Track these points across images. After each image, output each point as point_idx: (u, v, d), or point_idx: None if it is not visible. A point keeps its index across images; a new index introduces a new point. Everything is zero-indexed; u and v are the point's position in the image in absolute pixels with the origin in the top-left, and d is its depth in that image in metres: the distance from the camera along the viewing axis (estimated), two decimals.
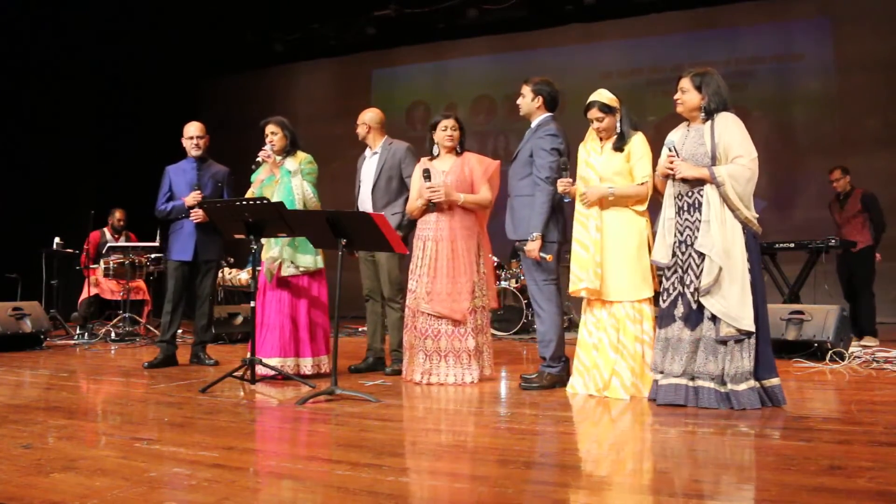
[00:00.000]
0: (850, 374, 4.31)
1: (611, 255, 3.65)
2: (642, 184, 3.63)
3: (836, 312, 4.98)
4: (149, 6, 9.57)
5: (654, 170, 3.60)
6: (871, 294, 6.31)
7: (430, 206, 4.12)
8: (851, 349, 5.05)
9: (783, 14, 9.04)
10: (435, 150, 4.28)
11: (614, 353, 3.63)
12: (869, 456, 2.42)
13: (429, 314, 4.10)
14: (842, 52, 8.72)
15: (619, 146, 3.70)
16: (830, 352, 4.77)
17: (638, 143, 3.68)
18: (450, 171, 4.18)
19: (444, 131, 4.22)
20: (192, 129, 5.03)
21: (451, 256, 4.11)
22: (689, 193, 3.37)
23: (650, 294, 3.66)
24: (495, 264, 7.68)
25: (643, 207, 3.67)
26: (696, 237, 3.31)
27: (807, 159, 8.79)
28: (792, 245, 6.35)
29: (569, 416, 3.28)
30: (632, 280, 3.63)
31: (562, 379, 3.90)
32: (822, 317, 4.97)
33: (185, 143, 5.03)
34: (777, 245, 6.40)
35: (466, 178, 4.18)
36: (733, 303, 3.21)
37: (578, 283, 3.68)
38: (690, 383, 3.30)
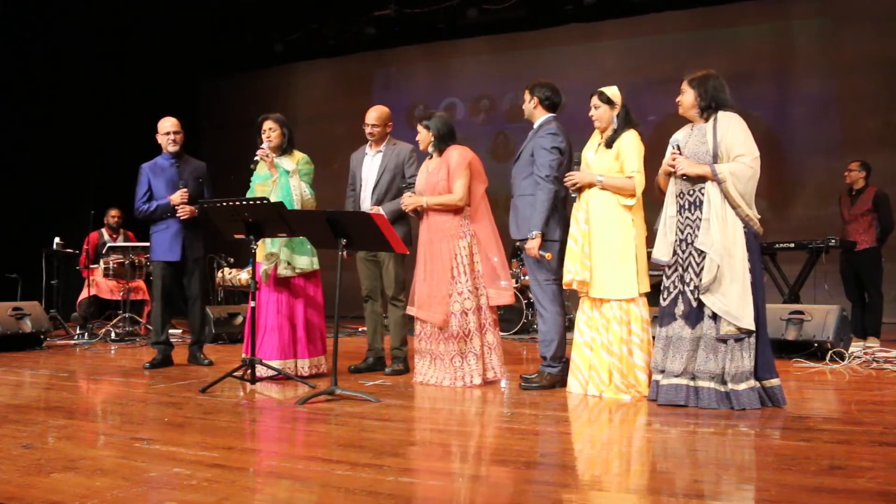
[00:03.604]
0: (850, 374, 4.30)
1: (596, 249, 3.65)
2: (630, 177, 3.61)
3: (836, 312, 4.97)
4: (149, 6, 9.56)
5: (658, 171, 3.58)
6: (879, 295, 6.19)
7: (416, 213, 4.24)
8: (851, 349, 5.05)
9: (783, 14, 9.03)
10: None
11: (608, 355, 3.63)
12: (869, 456, 2.42)
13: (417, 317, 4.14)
14: (842, 52, 8.70)
15: (609, 143, 3.70)
16: (830, 352, 4.77)
17: (626, 139, 3.66)
18: (431, 171, 4.15)
19: None
20: (169, 125, 4.88)
21: (430, 259, 4.10)
22: (691, 192, 3.37)
23: (635, 294, 3.60)
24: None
25: (632, 202, 3.62)
26: (696, 235, 3.31)
27: (807, 159, 8.77)
28: (792, 245, 6.33)
29: (569, 416, 3.28)
30: (616, 276, 3.60)
31: (562, 379, 3.89)
32: (822, 317, 4.97)
33: (161, 139, 4.88)
34: (777, 245, 6.38)
35: (441, 177, 4.06)
36: (734, 301, 3.21)
37: (567, 274, 3.70)
38: (691, 383, 3.30)
